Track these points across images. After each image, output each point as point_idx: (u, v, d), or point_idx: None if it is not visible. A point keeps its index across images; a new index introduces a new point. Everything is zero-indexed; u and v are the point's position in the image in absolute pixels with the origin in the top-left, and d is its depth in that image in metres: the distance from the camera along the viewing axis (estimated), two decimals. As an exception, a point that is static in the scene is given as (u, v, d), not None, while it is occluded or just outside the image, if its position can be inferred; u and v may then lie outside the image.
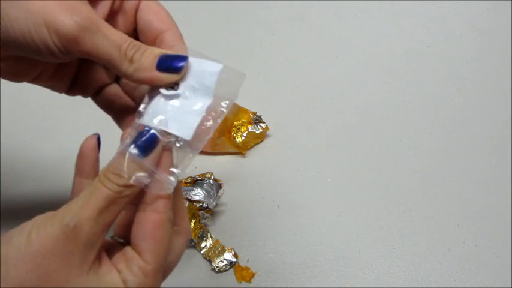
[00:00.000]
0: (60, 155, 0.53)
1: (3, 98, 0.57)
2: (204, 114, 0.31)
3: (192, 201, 0.47)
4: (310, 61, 0.64)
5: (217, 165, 0.53)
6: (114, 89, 0.38)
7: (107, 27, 0.31)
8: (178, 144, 0.30)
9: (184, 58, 0.31)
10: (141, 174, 0.29)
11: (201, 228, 0.47)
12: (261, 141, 0.56)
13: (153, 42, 0.34)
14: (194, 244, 0.47)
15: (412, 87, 0.62)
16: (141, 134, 0.29)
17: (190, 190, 0.48)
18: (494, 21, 0.69)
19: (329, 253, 0.47)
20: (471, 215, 0.50)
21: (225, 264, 0.46)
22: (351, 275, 0.46)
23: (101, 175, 0.29)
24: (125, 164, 0.29)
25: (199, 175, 0.49)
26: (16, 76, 0.35)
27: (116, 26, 0.35)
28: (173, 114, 0.30)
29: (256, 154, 0.55)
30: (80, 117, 0.57)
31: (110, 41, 0.30)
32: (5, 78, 0.35)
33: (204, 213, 0.47)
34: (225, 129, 0.54)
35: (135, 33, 0.35)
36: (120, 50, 0.31)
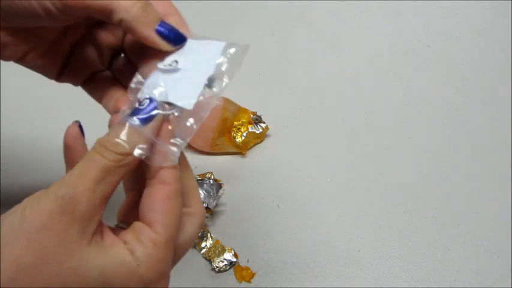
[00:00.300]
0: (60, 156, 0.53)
1: (3, 98, 0.57)
2: (205, 83, 0.30)
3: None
4: (310, 61, 0.64)
5: (217, 165, 0.53)
6: (106, 76, 0.37)
7: None
8: (176, 113, 0.29)
9: (184, 38, 0.31)
10: (141, 144, 0.27)
11: (201, 228, 0.47)
12: (261, 141, 0.56)
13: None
14: (194, 244, 0.47)
15: (412, 87, 0.62)
16: (141, 104, 0.28)
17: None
18: (494, 21, 0.69)
19: (329, 253, 0.47)
20: (471, 215, 0.50)
21: (225, 264, 0.46)
22: (351, 275, 0.46)
23: (97, 145, 0.27)
24: (125, 132, 0.27)
25: (199, 175, 0.49)
26: (6, 50, 0.34)
27: None
28: (173, 85, 0.29)
29: (256, 154, 0.55)
30: (82, 117, 0.57)
31: None
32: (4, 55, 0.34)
33: (204, 213, 0.47)
34: (225, 129, 0.54)
35: None
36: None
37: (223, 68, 0.32)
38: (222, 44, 0.31)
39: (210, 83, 0.31)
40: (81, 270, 0.25)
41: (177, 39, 0.31)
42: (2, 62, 0.61)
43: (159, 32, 0.30)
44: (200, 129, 0.54)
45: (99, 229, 0.27)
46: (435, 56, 0.65)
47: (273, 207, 0.50)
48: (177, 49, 0.31)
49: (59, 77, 0.37)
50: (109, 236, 0.27)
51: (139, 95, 0.29)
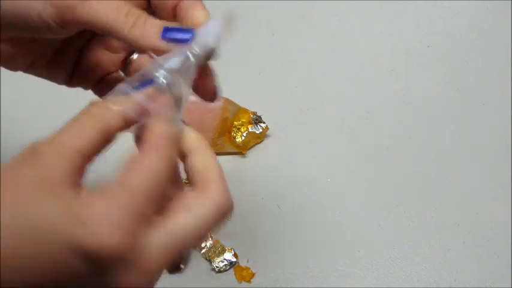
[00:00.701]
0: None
1: (3, 98, 0.57)
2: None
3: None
4: (310, 61, 0.64)
5: (217, 165, 0.53)
6: (118, 77, 0.36)
7: None
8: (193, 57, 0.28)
9: (190, 31, 0.29)
10: (127, 104, 0.26)
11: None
12: (261, 141, 0.56)
13: (170, 12, 0.31)
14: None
15: (412, 87, 0.62)
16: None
17: (190, 190, 0.48)
18: (494, 21, 0.69)
19: (329, 253, 0.47)
20: (471, 215, 0.50)
21: (225, 264, 0.46)
22: (351, 275, 0.46)
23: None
24: (111, 94, 0.26)
25: (199, 175, 0.49)
26: (12, 61, 0.34)
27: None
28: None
29: (256, 154, 0.55)
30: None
31: (108, 6, 0.29)
32: (1, 64, 0.34)
33: (204, 213, 0.47)
34: (225, 129, 0.54)
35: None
36: (119, 15, 0.29)
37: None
38: (218, 23, 0.32)
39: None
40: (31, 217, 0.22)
41: (184, 38, 0.29)
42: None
43: (164, 39, 0.29)
44: (200, 129, 0.54)
45: (69, 184, 0.24)
46: (435, 56, 0.65)
47: (273, 207, 0.50)
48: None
49: (69, 82, 0.36)
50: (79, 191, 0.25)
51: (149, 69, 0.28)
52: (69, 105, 0.58)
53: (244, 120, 0.54)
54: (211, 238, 0.47)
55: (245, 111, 0.55)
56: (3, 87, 0.58)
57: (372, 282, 0.45)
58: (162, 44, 0.29)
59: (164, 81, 0.27)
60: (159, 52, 0.29)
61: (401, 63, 0.64)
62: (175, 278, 0.44)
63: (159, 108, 0.27)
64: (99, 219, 0.22)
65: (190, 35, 0.29)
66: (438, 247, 0.48)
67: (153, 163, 0.25)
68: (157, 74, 0.27)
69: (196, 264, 0.46)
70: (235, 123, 0.54)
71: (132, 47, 0.30)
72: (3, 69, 0.59)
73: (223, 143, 0.54)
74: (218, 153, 0.54)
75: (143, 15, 0.29)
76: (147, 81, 0.27)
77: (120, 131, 0.27)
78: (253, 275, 0.46)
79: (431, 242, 0.48)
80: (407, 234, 0.49)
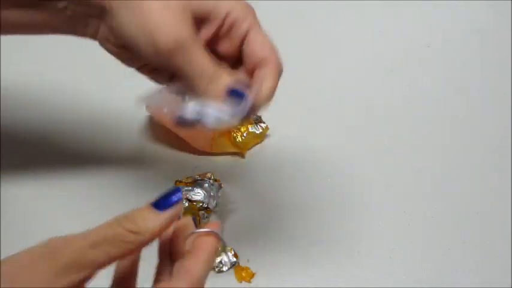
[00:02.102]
0: (60, 156, 0.54)
1: (3, 98, 0.57)
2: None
3: (192, 201, 0.47)
4: (309, 61, 0.64)
5: (217, 165, 0.53)
6: None
7: (198, 51, 0.34)
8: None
9: (243, 95, 0.35)
10: (155, 227, 0.28)
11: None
12: (261, 141, 0.56)
13: (253, 68, 0.38)
14: (194, 244, 0.47)
15: (412, 87, 0.62)
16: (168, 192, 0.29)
17: (190, 190, 0.48)
18: (494, 21, 0.69)
19: (329, 253, 0.47)
20: (471, 215, 0.50)
21: (225, 264, 0.46)
22: (351, 275, 0.46)
23: (113, 218, 0.27)
24: (142, 213, 0.28)
25: (199, 175, 0.49)
26: (125, 62, 0.40)
27: (219, 47, 0.38)
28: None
29: (256, 154, 0.55)
30: (82, 114, 0.57)
31: (197, 64, 0.34)
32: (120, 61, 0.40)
33: (204, 213, 0.47)
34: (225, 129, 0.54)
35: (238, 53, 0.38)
36: (202, 75, 0.34)
37: None
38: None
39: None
40: None
41: (240, 96, 0.35)
42: (2, 61, 0.61)
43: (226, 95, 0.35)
44: (200, 129, 0.54)
45: None
46: (435, 56, 0.65)
47: (273, 207, 0.50)
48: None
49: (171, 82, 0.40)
50: None
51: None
52: (69, 106, 0.58)
53: (244, 120, 0.54)
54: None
55: (245, 111, 0.55)
56: (3, 88, 0.58)
57: (372, 282, 0.45)
58: (223, 99, 0.35)
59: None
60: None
61: (401, 63, 0.64)
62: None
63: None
64: None
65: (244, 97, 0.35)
66: (438, 247, 0.48)
67: (199, 268, 0.29)
68: None
69: (196, 264, 0.46)
70: (235, 123, 0.54)
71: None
72: (3, 69, 0.59)
73: (223, 143, 0.54)
74: (218, 153, 0.54)
75: (220, 74, 0.35)
76: (174, 195, 0.29)
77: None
78: (253, 275, 0.46)
79: (431, 242, 0.48)
80: (407, 234, 0.49)
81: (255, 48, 0.37)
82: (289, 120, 0.58)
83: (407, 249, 0.48)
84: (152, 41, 0.34)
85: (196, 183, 0.48)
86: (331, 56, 0.65)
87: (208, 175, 0.49)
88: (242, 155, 0.54)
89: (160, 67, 0.37)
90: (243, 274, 0.45)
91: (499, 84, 0.62)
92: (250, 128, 0.54)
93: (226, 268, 0.46)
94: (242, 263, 0.46)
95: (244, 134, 0.54)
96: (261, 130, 0.55)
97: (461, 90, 0.61)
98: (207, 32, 0.36)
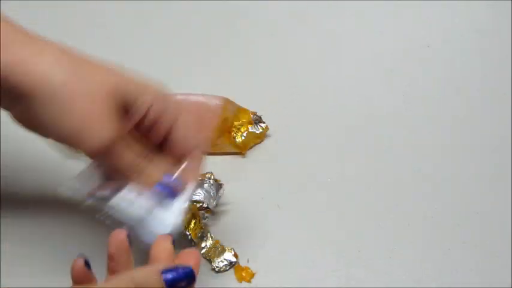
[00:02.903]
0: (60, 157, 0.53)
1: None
2: None
3: (192, 201, 0.47)
4: (310, 61, 0.64)
5: (217, 165, 0.53)
6: None
7: (123, 149, 0.36)
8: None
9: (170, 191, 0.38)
10: None
11: (201, 228, 0.47)
12: (261, 141, 0.56)
13: (180, 154, 0.39)
14: (194, 244, 0.47)
15: (412, 87, 0.62)
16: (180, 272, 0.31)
17: (190, 190, 0.48)
18: (494, 21, 0.69)
19: (329, 253, 0.47)
20: (471, 215, 0.50)
21: (225, 264, 0.46)
22: (351, 275, 0.46)
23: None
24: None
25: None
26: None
27: (148, 131, 0.38)
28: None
29: (256, 154, 0.55)
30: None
31: (123, 160, 0.36)
32: None
33: (204, 213, 0.47)
34: (225, 129, 0.54)
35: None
36: (130, 169, 0.37)
37: None
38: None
39: None
40: None
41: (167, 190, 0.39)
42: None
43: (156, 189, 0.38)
44: (200, 129, 0.54)
45: None
46: (435, 56, 0.65)
47: (273, 207, 0.50)
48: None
49: None
50: None
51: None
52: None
53: (244, 120, 0.54)
54: (211, 238, 0.47)
55: (245, 111, 0.55)
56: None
57: (372, 282, 0.45)
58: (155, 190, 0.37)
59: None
60: None
61: (401, 63, 0.64)
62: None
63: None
64: None
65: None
66: (438, 247, 0.48)
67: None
68: None
69: (196, 264, 0.46)
70: (235, 123, 0.54)
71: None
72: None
73: (223, 143, 0.54)
74: (218, 153, 0.54)
75: (147, 167, 0.37)
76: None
77: None
78: (253, 275, 0.46)
79: (431, 242, 0.48)
80: (407, 234, 0.49)
81: (177, 145, 0.39)
82: (289, 120, 0.58)
83: (407, 249, 0.48)
84: (76, 142, 0.34)
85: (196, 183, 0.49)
86: (331, 56, 0.65)
87: (208, 175, 0.49)
88: (242, 155, 0.54)
89: None
90: (243, 274, 0.45)
91: (499, 84, 0.62)
92: (250, 128, 0.54)
93: (226, 268, 0.46)
94: (242, 263, 0.46)
95: (244, 134, 0.54)
96: (261, 130, 0.55)
97: (461, 90, 0.61)
98: (132, 121, 0.37)
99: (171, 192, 0.38)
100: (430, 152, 0.56)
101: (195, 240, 0.47)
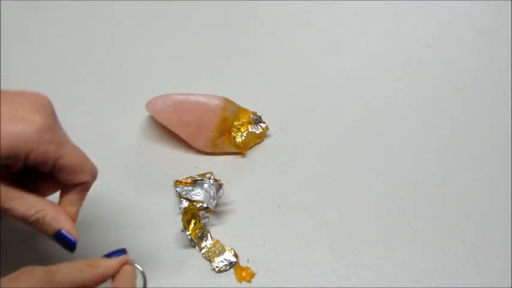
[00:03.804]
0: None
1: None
2: None
3: (192, 201, 0.47)
4: (310, 61, 0.64)
5: (217, 165, 0.53)
6: None
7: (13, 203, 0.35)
8: None
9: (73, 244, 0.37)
10: None
11: (201, 228, 0.47)
12: (261, 141, 0.56)
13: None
14: (194, 244, 0.47)
15: (412, 87, 0.62)
16: None
17: (190, 190, 0.48)
18: (494, 21, 0.69)
19: (329, 253, 0.47)
20: (471, 215, 0.50)
21: (225, 264, 0.46)
22: (351, 275, 0.46)
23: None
24: None
25: (199, 175, 0.49)
26: None
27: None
28: None
29: (256, 154, 0.55)
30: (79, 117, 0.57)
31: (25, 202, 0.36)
32: None
33: (204, 213, 0.47)
34: (225, 129, 0.54)
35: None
36: (30, 210, 0.36)
37: None
38: None
39: None
40: None
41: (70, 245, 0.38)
42: (2, 60, 0.61)
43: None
44: (200, 129, 0.54)
45: None
46: (435, 56, 0.65)
47: (273, 207, 0.50)
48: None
49: None
50: None
51: None
52: (69, 106, 0.58)
53: (244, 120, 0.54)
54: (211, 238, 0.47)
55: (245, 111, 0.55)
56: (3, 85, 0.57)
57: (372, 282, 0.45)
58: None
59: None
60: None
61: (401, 63, 0.64)
62: (176, 278, 0.44)
63: None
64: None
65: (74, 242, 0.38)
66: (438, 247, 0.48)
67: None
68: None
69: (196, 264, 0.46)
70: (235, 123, 0.54)
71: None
72: (3, 69, 0.59)
73: (223, 143, 0.54)
74: (218, 153, 0.54)
75: (46, 212, 0.37)
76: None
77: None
78: (253, 275, 0.46)
79: (431, 242, 0.48)
80: (407, 234, 0.49)
81: (61, 179, 0.37)
82: (289, 120, 0.58)
83: (407, 249, 0.48)
84: None
85: (196, 183, 0.48)
86: (331, 56, 0.65)
87: (208, 175, 0.49)
88: (242, 155, 0.54)
89: None
90: (243, 274, 0.45)
91: (499, 84, 0.62)
92: (250, 128, 0.54)
93: (226, 268, 0.46)
94: (242, 263, 0.46)
95: (244, 134, 0.54)
96: (261, 130, 0.55)
97: (461, 90, 0.61)
98: (15, 168, 0.36)
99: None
100: (430, 152, 0.56)
101: (195, 240, 0.47)
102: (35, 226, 0.36)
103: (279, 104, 0.59)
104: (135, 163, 0.53)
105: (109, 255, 0.36)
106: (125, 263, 0.36)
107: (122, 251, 0.37)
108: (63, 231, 0.37)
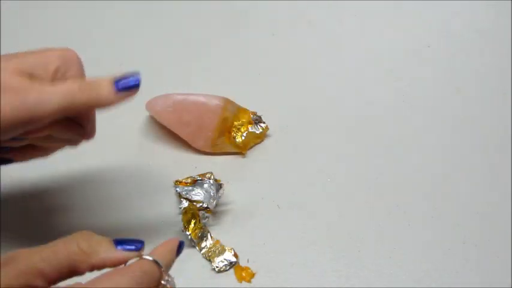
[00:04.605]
0: (60, 155, 0.53)
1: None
2: None
3: (192, 201, 0.47)
4: (310, 61, 0.64)
5: (217, 165, 0.53)
6: None
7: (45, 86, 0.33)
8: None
9: (136, 79, 0.35)
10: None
11: (201, 228, 0.47)
12: (261, 141, 0.56)
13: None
14: (194, 244, 0.47)
15: (412, 87, 0.62)
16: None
17: (190, 190, 0.48)
18: (495, 21, 0.69)
19: (329, 253, 0.47)
20: (471, 215, 0.50)
21: (225, 264, 0.46)
22: (351, 275, 0.46)
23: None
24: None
25: (199, 175, 0.49)
26: None
27: None
28: None
29: (256, 154, 0.55)
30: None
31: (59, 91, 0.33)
32: None
33: (204, 213, 0.47)
34: (225, 129, 0.54)
35: None
36: (73, 86, 0.34)
37: None
38: None
39: None
40: None
41: (133, 86, 0.35)
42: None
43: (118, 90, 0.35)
44: (200, 129, 0.54)
45: None
46: (435, 56, 0.65)
47: (273, 207, 0.50)
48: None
49: None
50: None
51: None
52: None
53: (244, 120, 0.54)
54: (211, 238, 0.47)
55: (245, 111, 0.55)
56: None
57: (371, 282, 0.45)
58: (117, 95, 0.35)
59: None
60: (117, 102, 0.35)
61: (401, 63, 0.64)
62: (176, 278, 0.44)
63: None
64: None
65: (138, 81, 0.35)
66: (438, 247, 0.48)
67: (122, 279, 0.29)
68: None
69: (196, 264, 0.46)
70: (235, 123, 0.54)
71: (91, 107, 0.34)
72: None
73: (223, 143, 0.54)
74: (218, 153, 0.54)
75: (92, 81, 0.35)
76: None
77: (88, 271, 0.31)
78: (253, 275, 0.46)
79: (431, 242, 0.48)
80: (407, 234, 0.49)
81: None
82: (289, 120, 0.58)
83: (407, 249, 0.48)
84: None
85: (196, 183, 0.49)
86: (331, 56, 0.65)
87: (208, 175, 0.49)
88: (242, 155, 0.54)
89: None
90: (243, 274, 0.45)
91: (499, 84, 0.62)
92: (250, 128, 0.54)
93: (226, 268, 0.46)
94: (242, 263, 0.46)
95: (244, 134, 0.54)
96: (261, 130, 0.55)
97: (461, 90, 0.61)
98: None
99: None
100: (430, 152, 0.56)
101: (195, 240, 0.47)
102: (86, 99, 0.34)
103: (279, 104, 0.59)
104: (135, 163, 0.53)
105: (120, 243, 0.31)
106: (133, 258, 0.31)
107: (137, 243, 0.32)
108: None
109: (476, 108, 0.60)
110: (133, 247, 0.31)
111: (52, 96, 0.33)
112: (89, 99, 0.34)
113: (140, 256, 0.31)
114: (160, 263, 0.31)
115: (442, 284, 0.46)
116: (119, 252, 0.31)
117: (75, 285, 0.29)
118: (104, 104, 0.35)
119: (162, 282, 0.31)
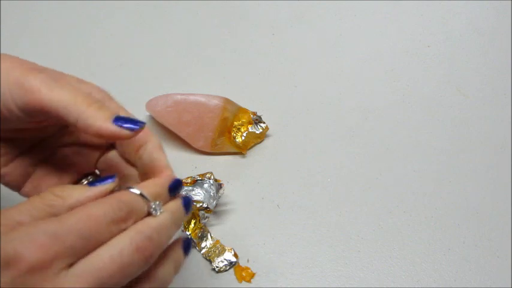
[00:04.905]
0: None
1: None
2: None
3: (192, 201, 0.47)
4: (310, 61, 0.64)
5: (217, 165, 0.53)
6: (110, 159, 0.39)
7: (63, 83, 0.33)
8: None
9: (139, 122, 0.33)
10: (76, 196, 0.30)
11: (201, 228, 0.47)
12: (261, 141, 0.56)
13: (136, 151, 0.35)
14: (194, 244, 0.47)
15: (412, 87, 0.62)
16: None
17: (190, 190, 0.48)
18: (494, 21, 0.69)
19: (329, 253, 0.47)
20: (471, 215, 0.50)
21: (225, 264, 0.46)
22: (351, 275, 0.46)
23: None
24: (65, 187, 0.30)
25: (199, 175, 0.49)
26: None
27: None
28: None
29: (256, 154, 0.55)
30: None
31: (72, 89, 0.32)
32: None
33: (204, 213, 0.47)
34: (225, 129, 0.54)
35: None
36: (78, 97, 0.32)
37: None
38: None
39: None
40: None
41: (134, 124, 0.32)
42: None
43: (116, 124, 0.32)
44: (200, 129, 0.54)
45: None
46: (435, 56, 0.65)
47: (273, 207, 0.50)
48: (136, 134, 0.33)
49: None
50: None
51: None
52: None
53: (244, 120, 0.54)
54: (211, 238, 0.47)
55: (245, 111, 0.55)
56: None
57: (371, 282, 0.45)
58: (112, 128, 0.32)
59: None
60: (107, 134, 0.32)
61: (401, 63, 0.64)
62: (175, 278, 0.44)
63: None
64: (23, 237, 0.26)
65: (139, 126, 0.32)
66: (438, 247, 0.48)
67: (94, 209, 0.28)
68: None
69: (196, 264, 0.46)
70: (235, 123, 0.54)
71: (83, 129, 0.32)
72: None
73: (223, 143, 0.54)
74: (218, 153, 0.54)
75: (99, 101, 0.33)
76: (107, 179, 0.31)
77: None
78: (253, 275, 0.46)
79: (431, 242, 0.48)
80: (407, 234, 0.49)
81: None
82: (289, 120, 0.58)
83: (407, 249, 0.48)
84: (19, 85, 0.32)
85: (196, 183, 0.49)
86: (331, 56, 0.65)
87: (208, 175, 0.49)
88: (242, 155, 0.54)
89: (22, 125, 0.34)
90: (243, 274, 0.45)
91: (499, 84, 0.62)
92: (250, 128, 0.54)
93: (226, 268, 0.46)
94: (242, 263, 0.46)
95: (244, 134, 0.54)
96: (261, 130, 0.55)
97: (461, 90, 0.61)
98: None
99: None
100: (430, 152, 0.56)
101: (195, 240, 0.47)
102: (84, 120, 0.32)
103: (279, 104, 0.59)
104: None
105: (92, 184, 0.30)
106: (112, 191, 0.30)
107: (111, 178, 0.30)
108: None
109: (476, 108, 0.60)
110: (107, 181, 0.30)
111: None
112: (83, 115, 0.32)
113: (119, 188, 0.30)
114: (145, 194, 0.30)
115: (442, 284, 0.46)
116: (93, 189, 0.30)
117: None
118: (96, 133, 0.32)
119: (151, 210, 0.30)
